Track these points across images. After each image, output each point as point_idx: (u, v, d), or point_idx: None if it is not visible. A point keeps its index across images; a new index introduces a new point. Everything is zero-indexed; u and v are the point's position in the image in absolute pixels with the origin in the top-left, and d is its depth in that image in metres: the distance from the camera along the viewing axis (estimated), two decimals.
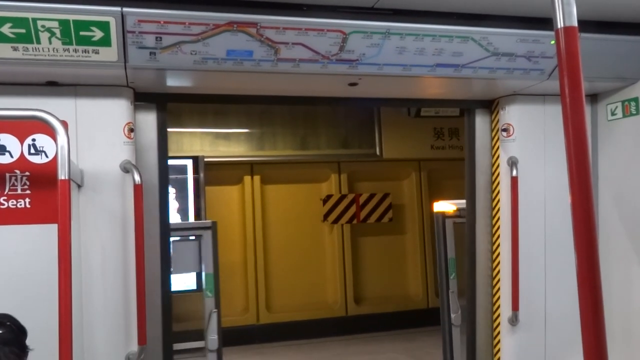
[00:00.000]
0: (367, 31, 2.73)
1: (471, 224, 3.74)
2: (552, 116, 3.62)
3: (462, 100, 3.71)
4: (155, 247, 3.21)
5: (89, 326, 2.92)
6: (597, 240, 1.30)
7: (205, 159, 6.61)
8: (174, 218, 5.02)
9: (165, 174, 3.31)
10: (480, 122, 3.74)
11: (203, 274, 3.63)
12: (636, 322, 3.42)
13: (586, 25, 2.92)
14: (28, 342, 1.94)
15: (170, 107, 3.30)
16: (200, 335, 3.72)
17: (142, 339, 2.96)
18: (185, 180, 6.36)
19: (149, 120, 3.24)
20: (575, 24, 1.30)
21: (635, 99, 3.38)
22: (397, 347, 6.74)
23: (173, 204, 4.97)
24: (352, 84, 3.16)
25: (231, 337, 5.62)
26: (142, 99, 3.15)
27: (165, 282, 3.27)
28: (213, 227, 3.67)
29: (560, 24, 1.30)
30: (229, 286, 6.25)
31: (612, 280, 3.54)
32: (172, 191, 4.95)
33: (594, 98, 3.71)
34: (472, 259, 3.75)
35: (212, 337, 3.53)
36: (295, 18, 2.61)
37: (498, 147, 3.71)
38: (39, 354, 1.98)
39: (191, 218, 6.24)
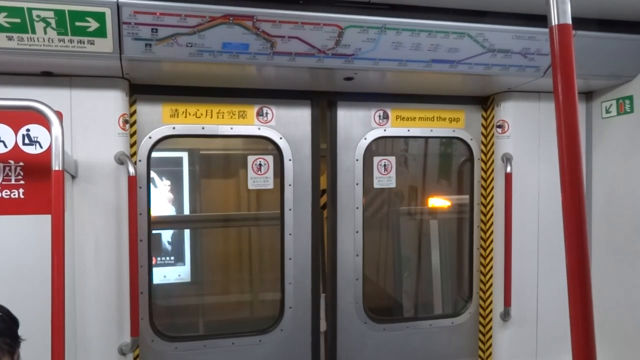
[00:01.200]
0: (363, 26, 2.73)
1: (333, 221, 3.62)
2: (546, 113, 3.64)
3: (458, 96, 3.71)
4: (307, 231, 3.51)
5: (81, 317, 2.92)
6: (587, 237, 1.31)
7: (201, 152, 6.60)
8: (169, 210, 5.02)
9: (318, 165, 3.53)
10: (344, 115, 3.60)
11: None
12: (628, 319, 3.45)
13: (581, 23, 2.93)
14: (20, 332, 1.95)
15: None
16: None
17: (134, 330, 2.97)
18: (180, 173, 6.35)
19: (304, 114, 3.46)
20: (570, 21, 1.31)
21: (630, 97, 3.40)
22: None
23: (168, 196, 4.98)
24: (348, 79, 3.16)
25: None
26: (296, 96, 3.45)
27: (316, 252, 3.56)
28: None
29: (554, 21, 1.31)
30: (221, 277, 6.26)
31: (604, 276, 3.57)
32: (167, 183, 4.95)
33: (588, 96, 3.72)
34: (333, 258, 3.62)
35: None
36: (292, 12, 2.60)
37: (493, 144, 3.72)
38: (31, 344, 1.99)
39: (186, 210, 6.23)
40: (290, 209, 3.49)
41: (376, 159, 3.69)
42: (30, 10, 2.35)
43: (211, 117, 3.34)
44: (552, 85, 1.32)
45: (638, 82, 3.35)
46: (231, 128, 3.37)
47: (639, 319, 3.37)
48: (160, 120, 3.27)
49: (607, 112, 3.58)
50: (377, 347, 3.67)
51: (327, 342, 3.63)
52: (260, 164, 3.47)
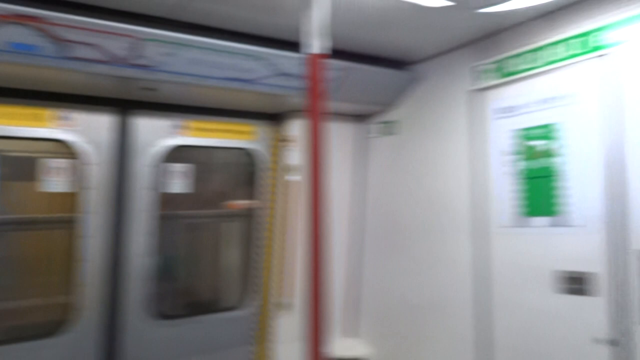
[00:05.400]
0: (162, 40, 2.88)
1: (123, 224, 3.69)
2: (328, 131, 4.13)
3: (251, 112, 4.03)
4: (106, 234, 3.49)
5: None
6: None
7: None
8: None
9: (120, 170, 3.52)
10: (141, 123, 3.74)
11: None
12: (385, 300, 4.06)
13: (344, 55, 3.44)
14: None
15: None
16: None
17: None
18: None
19: (108, 120, 3.43)
20: (321, 52, 1.63)
21: (393, 122, 4.07)
22: None
23: None
24: (146, 89, 3.27)
25: None
26: (100, 102, 3.40)
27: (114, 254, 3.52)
28: None
29: (309, 51, 1.61)
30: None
31: (373, 267, 4.16)
32: None
33: (362, 118, 4.34)
34: (122, 259, 3.71)
35: None
36: (88, 19, 2.64)
37: (281, 156, 4.10)
38: None
39: None
40: (90, 212, 3.47)
41: (171, 166, 3.83)
42: None
43: (6, 119, 3.19)
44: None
45: (400, 109, 4.03)
46: (28, 130, 3.25)
47: (393, 300, 4.02)
48: None
49: (375, 133, 4.22)
50: (164, 342, 3.77)
51: (113, 342, 3.63)
52: (58, 167, 3.41)
